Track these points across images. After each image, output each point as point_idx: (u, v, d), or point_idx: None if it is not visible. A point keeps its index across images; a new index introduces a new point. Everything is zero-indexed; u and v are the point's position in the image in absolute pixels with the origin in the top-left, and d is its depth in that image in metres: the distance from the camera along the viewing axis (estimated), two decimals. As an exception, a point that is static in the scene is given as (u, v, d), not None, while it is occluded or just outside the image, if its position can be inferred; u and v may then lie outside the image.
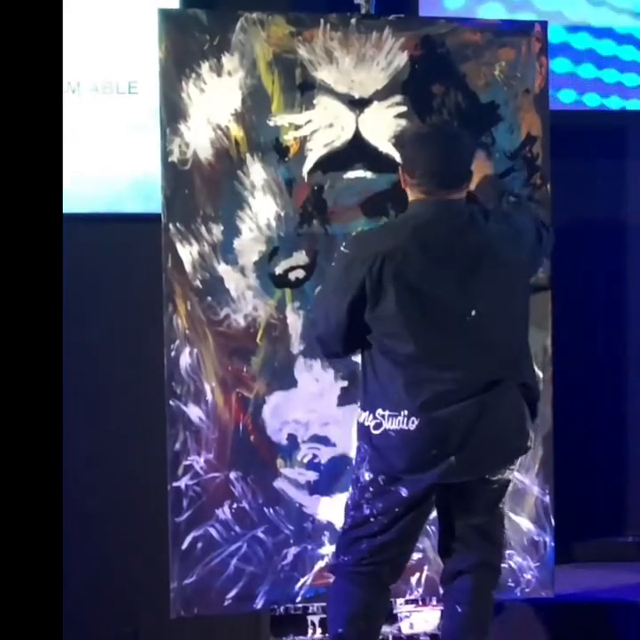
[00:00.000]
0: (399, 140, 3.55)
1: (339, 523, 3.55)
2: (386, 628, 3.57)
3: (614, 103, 4.55)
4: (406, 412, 2.98)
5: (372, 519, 3.08)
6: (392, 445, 3.01)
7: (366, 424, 3.07)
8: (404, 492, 3.03)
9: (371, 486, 3.07)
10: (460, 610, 3.16)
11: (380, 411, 3.03)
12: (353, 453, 3.41)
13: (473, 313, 3.00)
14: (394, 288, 2.97)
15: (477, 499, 3.14)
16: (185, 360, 3.53)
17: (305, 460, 3.60)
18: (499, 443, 3.07)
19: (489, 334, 3.04)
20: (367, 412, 3.07)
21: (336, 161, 3.59)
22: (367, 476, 3.08)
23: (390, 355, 3.02)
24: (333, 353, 3.23)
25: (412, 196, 3.13)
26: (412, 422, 2.98)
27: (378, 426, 3.03)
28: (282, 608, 3.62)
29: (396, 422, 3.00)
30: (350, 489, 3.18)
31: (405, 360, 3.00)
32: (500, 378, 3.04)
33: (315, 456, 3.61)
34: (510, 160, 3.71)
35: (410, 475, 3.02)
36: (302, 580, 3.61)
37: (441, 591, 3.33)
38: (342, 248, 3.17)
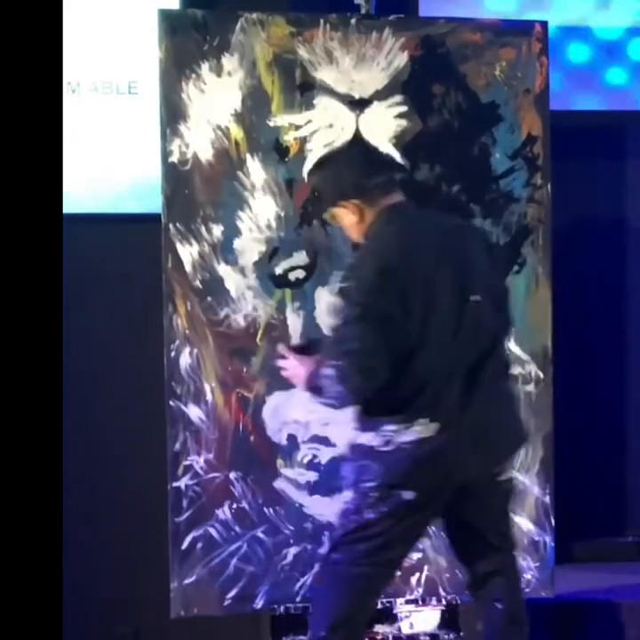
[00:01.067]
0: (399, 141, 3.56)
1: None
2: (386, 628, 3.58)
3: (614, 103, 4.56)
4: (426, 420, 2.92)
5: (375, 522, 3.00)
6: (406, 456, 2.94)
7: (370, 444, 2.97)
8: (409, 495, 2.96)
9: (374, 491, 2.99)
10: (500, 606, 3.14)
11: (387, 427, 2.94)
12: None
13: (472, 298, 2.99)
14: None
15: (491, 501, 3.12)
16: (185, 360, 3.53)
17: (305, 461, 3.60)
18: (504, 433, 3.07)
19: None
20: (369, 434, 2.97)
21: (336, 161, 3.58)
22: (371, 483, 2.99)
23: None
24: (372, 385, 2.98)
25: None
26: (432, 428, 2.92)
27: (386, 443, 2.94)
28: (282, 608, 3.61)
29: (412, 433, 2.92)
30: (350, 493, 3.06)
31: (417, 367, 2.95)
32: (494, 371, 3.03)
33: (314, 456, 3.61)
34: (511, 160, 3.71)
35: (420, 479, 2.96)
36: (302, 580, 3.61)
37: (469, 596, 3.27)
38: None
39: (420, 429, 2.91)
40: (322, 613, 3.04)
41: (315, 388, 3.01)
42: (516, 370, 3.60)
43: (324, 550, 3.26)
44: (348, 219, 3.10)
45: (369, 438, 2.96)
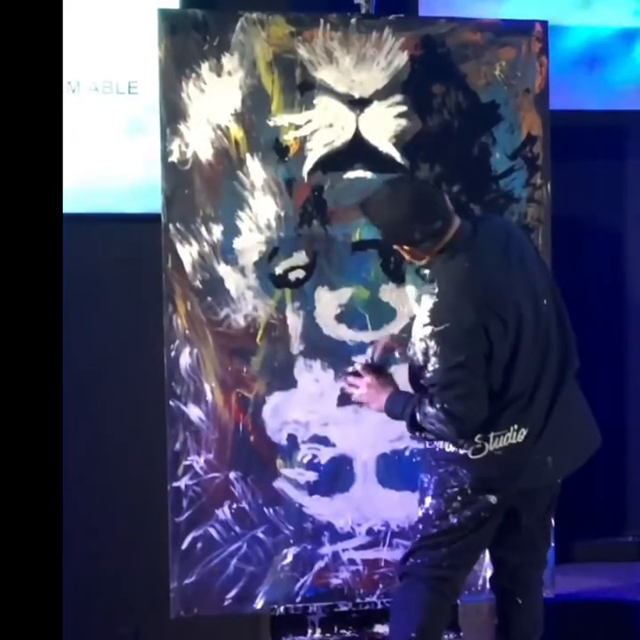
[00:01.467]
0: (399, 141, 3.56)
1: (338, 523, 3.57)
2: (386, 628, 3.57)
3: (614, 103, 4.55)
4: (516, 426, 2.97)
5: (457, 526, 3.05)
6: (495, 461, 2.99)
7: (461, 453, 3.01)
8: (492, 500, 3.03)
9: (459, 496, 3.05)
10: (520, 601, 3.21)
11: (480, 436, 2.97)
12: (353, 454, 3.42)
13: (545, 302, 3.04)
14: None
15: (543, 500, 3.18)
16: (185, 360, 3.53)
17: (305, 461, 3.60)
18: (577, 439, 3.12)
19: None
20: (462, 441, 3.00)
21: (336, 161, 3.59)
22: (456, 488, 3.05)
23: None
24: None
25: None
26: (522, 434, 2.98)
27: (478, 451, 2.99)
28: (282, 608, 3.61)
29: (504, 440, 2.98)
30: (429, 499, 3.10)
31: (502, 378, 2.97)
32: (566, 372, 3.09)
33: (314, 456, 3.61)
34: (511, 160, 3.71)
35: (508, 484, 3.03)
36: (302, 580, 3.61)
37: (491, 586, 3.35)
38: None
39: (511, 435, 2.97)
40: (410, 616, 3.06)
41: (403, 417, 3.05)
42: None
43: (398, 557, 3.26)
44: (406, 255, 3.12)
45: (462, 447, 3.01)
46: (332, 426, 3.59)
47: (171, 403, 3.53)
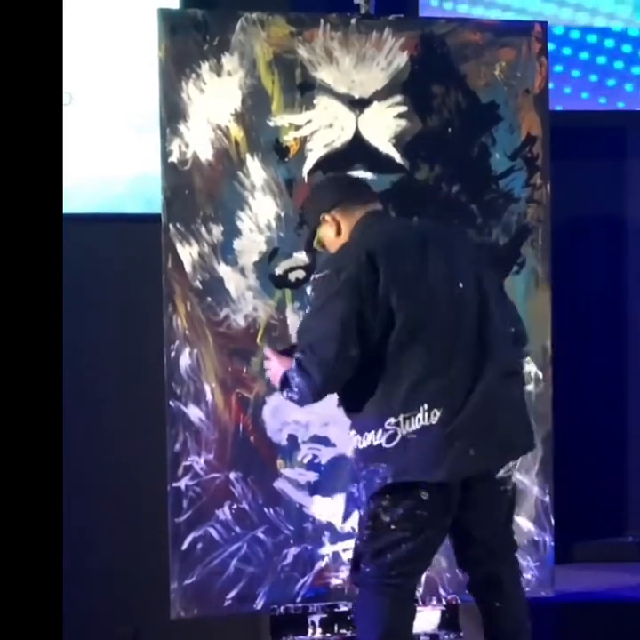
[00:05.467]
0: (399, 141, 3.56)
1: (339, 523, 3.56)
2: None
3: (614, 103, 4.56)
4: (426, 407, 2.87)
5: (393, 526, 2.93)
6: (411, 448, 2.88)
7: (375, 443, 2.91)
8: (424, 495, 2.91)
9: (387, 494, 2.92)
10: (498, 605, 3.14)
11: (390, 420, 2.89)
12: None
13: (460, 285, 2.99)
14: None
15: (494, 511, 3.09)
16: (185, 360, 3.53)
17: (305, 461, 3.60)
18: (506, 436, 3.01)
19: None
20: (372, 432, 2.92)
21: (336, 161, 3.59)
22: (381, 484, 2.91)
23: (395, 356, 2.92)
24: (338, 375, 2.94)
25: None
26: (434, 415, 2.87)
27: (392, 437, 2.89)
28: (282, 608, 3.61)
29: (415, 422, 2.87)
30: (363, 499, 2.99)
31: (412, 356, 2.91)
32: (485, 361, 2.98)
33: (315, 456, 3.60)
34: (510, 160, 3.71)
35: (430, 472, 2.89)
36: (302, 581, 3.61)
37: (468, 596, 3.26)
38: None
39: (422, 417, 2.87)
40: (368, 629, 2.98)
41: (281, 383, 3.00)
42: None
43: (351, 565, 3.13)
44: (328, 235, 3.12)
45: (374, 437, 2.92)
46: (332, 426, 3.59)
47: (171, 403, 3.53)
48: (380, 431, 2.91)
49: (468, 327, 2.97)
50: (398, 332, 2.89)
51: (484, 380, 2.95)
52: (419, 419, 2.88)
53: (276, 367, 3.10)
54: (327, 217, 3.10)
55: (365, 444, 2.95)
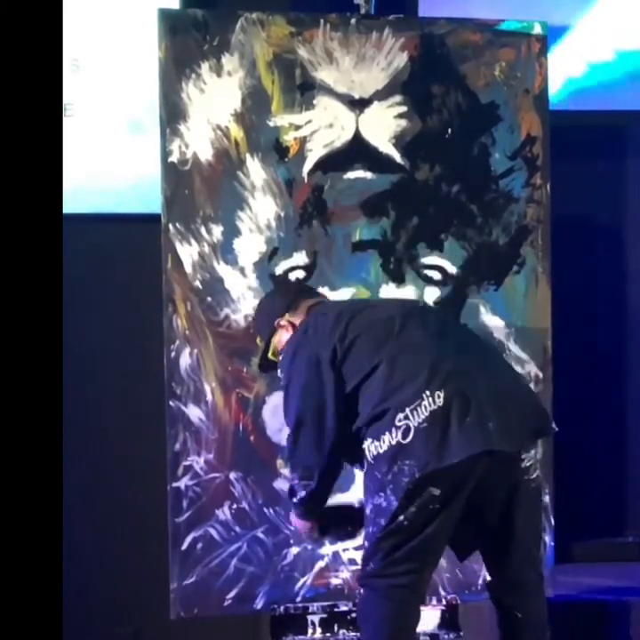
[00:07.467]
0: (399, 141, 3.56)
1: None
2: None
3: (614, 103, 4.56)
4: (428, 393, 2.89)
5: (405, 523, 2.91)
6: (424, 438, 2.88)
7: (394, 442, 2.91)
8: (435, 491, 2.89)
9: (400, 490, 2.90)
10: (519, 615, 3.10)
11: (399, 416, 2.90)
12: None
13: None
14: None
15: (533, 511, 3.09)
16: (185, 360, 3.53)
17: (305, 461, 3.60)
18: (521, 417, 2.99)
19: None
20: (387, 433, 2.93)
21: (336, 161, 3.59)
22: (409, 481, 2.89)
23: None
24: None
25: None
26: (439, 397, 2.88)
27: (406, 433, 2.89)
28: (282, 608, 3.61)
29: (423, 409, 2.88)
30: (393, 505, 2.93)
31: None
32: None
33: (315, 456, 3.60)
34: (510, 160, 3.71)
35: (447, 456, 2.86)
36: (302, 580, 3.61)
37: (489, 596, 3.21)
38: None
39: (428, 403, 2.88)
40: (373, 632, 2.97)
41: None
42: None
43: (359, 566, 3.16)
44: (282, 340, 3.22)
45: (391, 437, 2.92)
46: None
47: (171, 403, 3.53)
48: (394, 429, 2.92)
49: (442, 317, 3.19)
50: (368, 364, 3.01)
51: (485, 361, 3.04)
52: (425, 406, 2.90)
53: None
54: (282, 322, 3.21)
55: (385, 446, 2.95)
